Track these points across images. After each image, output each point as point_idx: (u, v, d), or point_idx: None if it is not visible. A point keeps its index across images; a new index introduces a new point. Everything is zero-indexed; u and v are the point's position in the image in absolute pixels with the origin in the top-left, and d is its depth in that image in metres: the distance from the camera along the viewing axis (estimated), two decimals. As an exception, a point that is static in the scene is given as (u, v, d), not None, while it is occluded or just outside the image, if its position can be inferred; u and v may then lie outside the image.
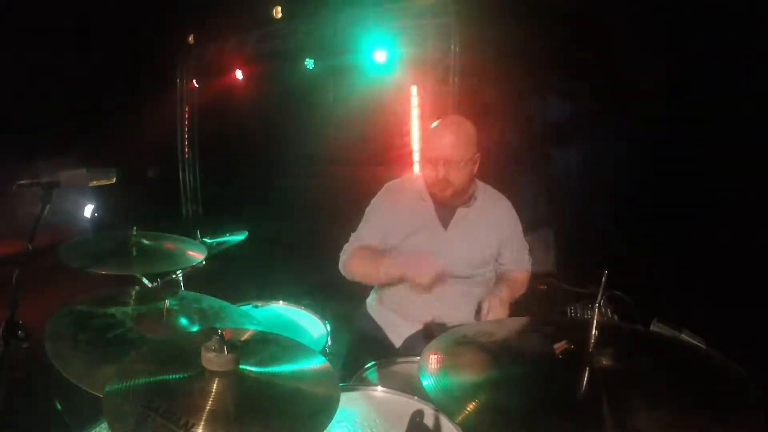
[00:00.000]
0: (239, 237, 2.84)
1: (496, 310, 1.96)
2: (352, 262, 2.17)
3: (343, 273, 2.22)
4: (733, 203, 2.91)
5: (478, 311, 2.02)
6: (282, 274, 3.97)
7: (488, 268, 2.21)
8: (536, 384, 1.12)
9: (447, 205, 2.14)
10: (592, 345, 1.12)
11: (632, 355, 1.17)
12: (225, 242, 2.78)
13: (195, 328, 1.62)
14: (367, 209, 2.26)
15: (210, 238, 2.87)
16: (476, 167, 2.11)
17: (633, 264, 2.72)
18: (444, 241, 2.12)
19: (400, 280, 2.02)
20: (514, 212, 2.25)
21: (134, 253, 2.15)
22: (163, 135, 6.20)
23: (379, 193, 2.28)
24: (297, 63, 5.00)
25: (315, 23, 4.73)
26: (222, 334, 1.08)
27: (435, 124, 2.11)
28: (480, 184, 2.22)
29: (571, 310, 2.61)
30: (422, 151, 2.09)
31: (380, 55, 4.38)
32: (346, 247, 2.25)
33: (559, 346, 1.17)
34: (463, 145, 2.00)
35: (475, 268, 2.14)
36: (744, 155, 2.88)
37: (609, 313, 2.45)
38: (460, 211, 2.13)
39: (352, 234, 2.26)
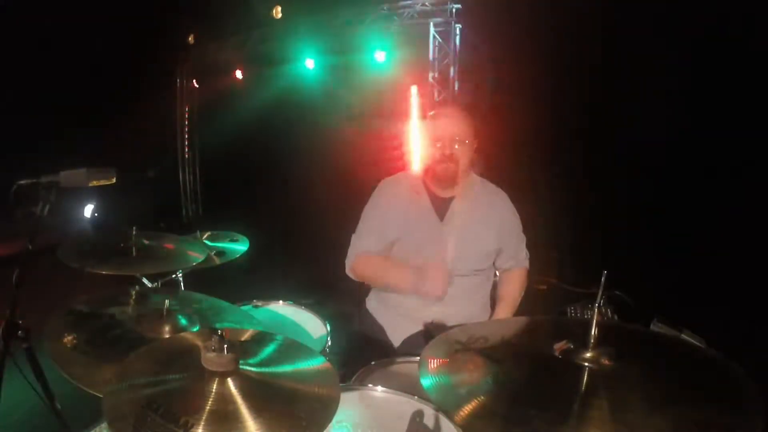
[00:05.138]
0: (240, 249, 2.83)
1: None
2: (357, 269, 2.20)
3: (351, 276, 2.24)
4: (732, 204, 2.91)
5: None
6: (282, 274, 3.98)
7: (488, 264, 2.21)
8: (536, 384, 1.12)
9: (442, 198, 2.15)
10: (592, 345, 1.12)
11: (632, 355, 1.16)
12: (224, 252, 2.78)
13: (195, 328, 1.62)
14: (365, 207, 2.27)
15: (210, 241, 2.87)
16: (474, 155, 2.13)
17: (633, 264, 2.72)
18: (441, 234, 2.12)
19: (412, 292, 2.05)
20: (511, 205, 2.25)
21: (134, 253, 2.15)
22: (163, 135, 6.21)
23: (375, 189, 2.29)
24: (297, 63, 5.00)
25: (315, 23, 4.73)
26: (222, 334, 1.08)
27: (433, 113, 2.19)
28: (477, 178, 2.23)
29: (571, 310, 2.61)
30: (428, 135, 2.09)
31: (380, 55, 4.38)
32: (349, 251, 2.25)
33: (559, 346, 1.16)
34: (467, 125, 2.08)
35: (474, 263, 2.14)
36: (744, 156, 2.88)
37: (609, 313, 2.44)
38: (456, 203, 2.14)
39: (353, 235, 2.26)
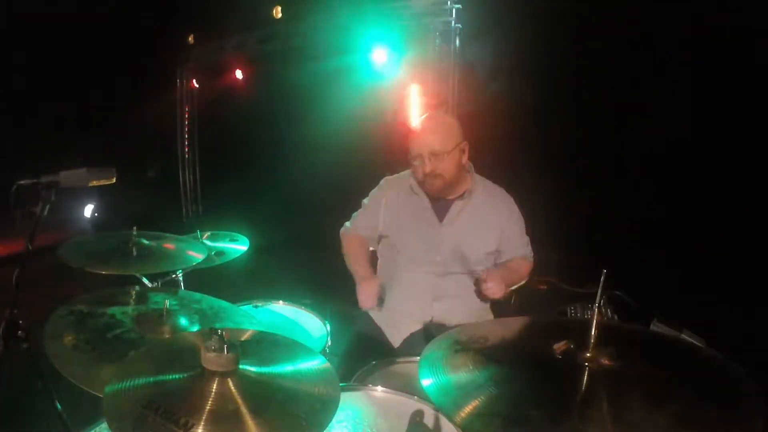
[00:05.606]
0: (240, 249, 2.84)
1: (494, 277, 2.00)
2: (344, 241, 2.35)
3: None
4: (733, 203, 2.91)
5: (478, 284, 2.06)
6: (282, 274, 3.97)
7: (488, 264, 2.20)
8: (536, 384, 1.12)
9: (442, 199, 2.14)
10: (592, 345, 1.12)
11: (632, 355, 1.16)
12: (224, 252, 2.78)
13: (195, 328, 1.62)
14: (370, 193, 2.34)
15: (210, 241, 2.87)
16: (465, 157, 2.12)
17: (633, 264, 2.72)
18: (439, 235, 2.12)
19: None
20: (514, 206, 2.24)
21: (134, 253, 2.15)
22: (163, 135, 6.21)
23: (378, 185, 2.32)
24: (297, 63, 5.00)
25: (315, 23, 4.72)
26: (222, 334, 1.08)
27: (415, 124, 2.20)
28: (477, 178, 2.22)
29: (571, 310, 2.60)
30: (409, 148, 2.11)
31: (380, 55, 4.38)
32: (351, 220, 2.37)
33: (559, 346, 1.16)
34: (445, 136, 2.04)
35: (473, 263, 2.14)
36: (744, 155, 2.88)
37: (609, 313, 2.44)
38: (456, 205, 2.14)
39: (353, 214, 2.36)
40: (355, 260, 2.24)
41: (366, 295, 2.06)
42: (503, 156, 3.16)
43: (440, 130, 2.05)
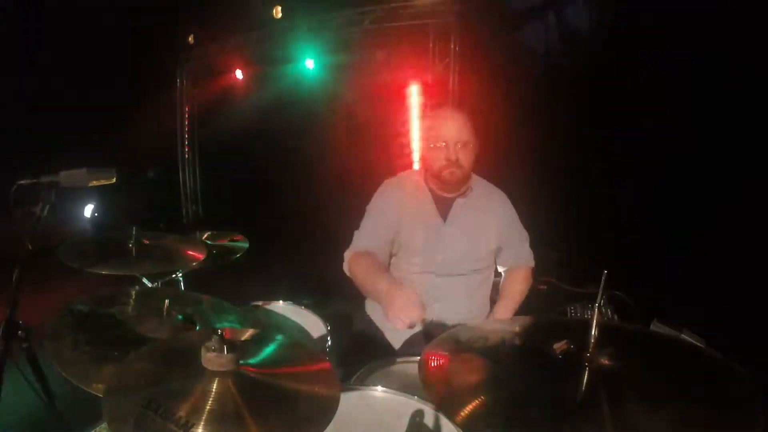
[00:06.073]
0: (240, 249, 2.83)
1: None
2: (351, 268, 2.12)
3: (346, 273, 2.20)
4: (733, 203, 2.91)
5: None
6: (282, 274, 3.98)
7: (488, 264, 2.20)
8: (536, 384, 1.12)
9: (444, 197, 2.14)
10: (592, 345, 1.12)
11: (632, 355, 1.16)
12: (224, 252, 2.78)
13: (195, 328, 1.62)
14: (368, 207, 2.27)
15: (210, 241, 2.87)
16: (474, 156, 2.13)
17: (633, 264, 2.72)
18: (443, 234, 2.12)
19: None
20: (509, 203, 2.25)
21: (134, 253, 2.15)
22: (163, 135, 6.21)
23: (377, 191, 2.29)
24: (297, 63, 5.00)
25: (315, 23, 4.73)
26: (222, 334, 1.08)
27: (433, 114, 2.16)
28: (475, 177, 2.23)
29: (571, 310, 2.60)
30: (430, 137, 2.08)
31: (380, 55, 4.38)
32: (351, 246, 2.20)
33: (559, 346, 1.17)
34: (470, 126, 2.06)
35: (474, 262, 2.14)
36: (745, 155, 2.88)
37: (609, 313, 2.44)
38: (458, 202, 2.14)
39: (356, 232, 2.23)
40: (377, 275, 1.93)
41: (407, 305, 1.67)
42: (503, 156, 3.16)
43: (465, 120, 2.07)
